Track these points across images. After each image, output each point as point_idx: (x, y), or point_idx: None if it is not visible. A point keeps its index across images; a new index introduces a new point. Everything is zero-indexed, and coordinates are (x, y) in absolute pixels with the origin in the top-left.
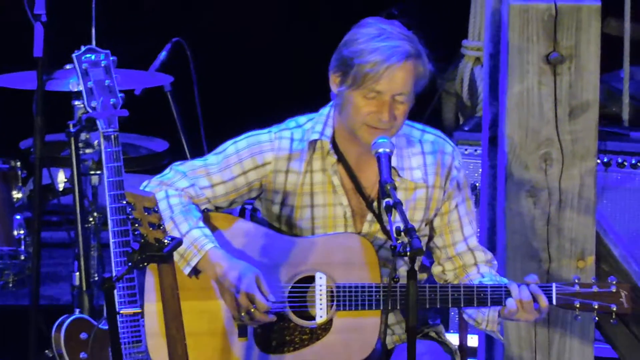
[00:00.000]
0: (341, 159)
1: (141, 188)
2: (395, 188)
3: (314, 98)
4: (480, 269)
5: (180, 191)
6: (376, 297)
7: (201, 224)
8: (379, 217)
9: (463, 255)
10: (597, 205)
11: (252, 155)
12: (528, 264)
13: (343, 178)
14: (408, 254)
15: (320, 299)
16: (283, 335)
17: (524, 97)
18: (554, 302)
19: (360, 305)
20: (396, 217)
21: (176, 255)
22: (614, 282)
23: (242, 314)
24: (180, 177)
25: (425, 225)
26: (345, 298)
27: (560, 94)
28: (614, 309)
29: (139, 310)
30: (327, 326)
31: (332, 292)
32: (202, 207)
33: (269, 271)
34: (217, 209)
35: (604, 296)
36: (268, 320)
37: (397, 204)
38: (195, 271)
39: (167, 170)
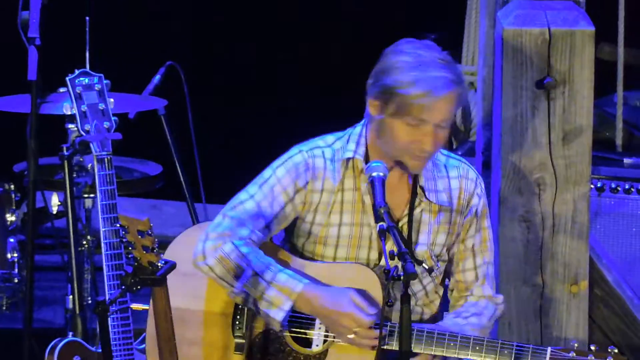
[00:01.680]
0: None
1: (199, 247)
2: (389, 212)
3: (310, 121)
4: (468, 299)
5: (245, 239)
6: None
7: (279, 266)
8: (403, 239)
9: (469, 282)
10: (590, 230)
11: (293, 180)
12: (521, 288)
13: (372, 197)
14: (402, 278)
15: (320, 328)
16: (278, 358)
17: (517, 121)
18: None
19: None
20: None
21: (264, 304)
22: (613, 352)
23: (350, 336)
24: (237, 224)
25: (447, 250)
26: None
27: (553, 119)
28: None
29: (148, 307)
30: (321, 356)
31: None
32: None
33: None
34: None
35: None
36: (376, 336)
37: (391, 228)
38: (195, 282)
39: (219, 219)
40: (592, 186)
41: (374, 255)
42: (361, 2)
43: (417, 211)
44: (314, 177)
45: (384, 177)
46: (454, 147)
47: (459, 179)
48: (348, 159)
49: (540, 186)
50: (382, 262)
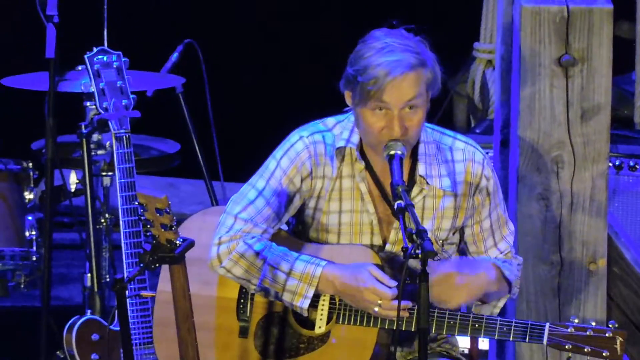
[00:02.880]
0: (368, 166)
1: (214, 251)
2: (406, 190)
3: (327, 99)
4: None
5: (257, 235)
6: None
7: (294, 253)
8: (397, 215)
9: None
10: (608, 208)
11: (298, 170)
12: (539, 266)
13: (370, 185)
14: (420, 255)
15: (322, 309)
16: (282, 340)
17: (535, 99)
18: (545, 341)
19: (359, 321)
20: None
21: (288, 295)
22: (613, 327)
23: (376, 309)
24: (250, 225)
25: (454, 234)
26: (346, 311)
27: (572, 97)
28: (606, 355)
29: (155, 294)
30: (324, 337)
31: (334, 303)
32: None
33: None
34: None
35: (597, 341)
36: (402, 307)
37: (409, 206)
38: (201, 271)
39: (230, 221)
40: (610, 164)
41: (378, 240)
42: None
43: (418, 198)
44: (317, 163)
45: (403, 155)
46: (472, 125)
47: (464, 162)
48: (342, 148)
49: (558, 164)
50: (387, 247)
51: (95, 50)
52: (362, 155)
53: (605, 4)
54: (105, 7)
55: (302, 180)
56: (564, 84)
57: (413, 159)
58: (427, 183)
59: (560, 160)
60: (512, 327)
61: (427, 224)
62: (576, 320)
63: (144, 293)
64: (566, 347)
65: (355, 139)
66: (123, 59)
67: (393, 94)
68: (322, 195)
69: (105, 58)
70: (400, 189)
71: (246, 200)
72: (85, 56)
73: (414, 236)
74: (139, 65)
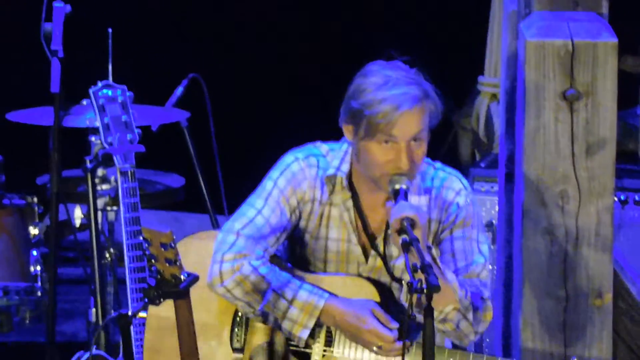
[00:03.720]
0: (355, 197)
1: (216, 269)
2: (412, 225)
3: (330, 133)
4: None
5: (261, 258)
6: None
7: (299, 282)
8: (382, 257)
9: None
10: (614, 243)
11: (294, 190)
12: (545, 301)
13: (354, 215)
14: (425, 291)
15: (319, 341)
16: None
17: (540, 133)
18: None
19: (354, 354)
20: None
21: (287, 324)
22: None
23: (375, 349)
24: (251, 243)
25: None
26: (343, 344)
27: (577, 131)
28: None
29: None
30: None
31: (331, 336)
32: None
33: None
34: None
35: None
36: (398, 348)
37: (414, 241)
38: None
39: (232, 238)
40: (615, 198)
41: (364, 271)
42: (385, 13)
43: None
44: (310, 186)
45: (408, 190)
46: (477, 159)
47: (440, 188)
48: (332, 175)
49: (563, 198)
50: (370, 275)
51: (100, 84)
52: (350, 185)
53: (610, 38)
54: (110, 41)
55: (298, 201)
56: (569, 118)
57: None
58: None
59: (566, 194)
60: None
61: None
62: None
63: (142, 315)
64: None
65: (345, 168)
66: (128, 93)
67: (402, 128)
68: (311, 218)
69: (110, 92)
70: (405, 224)
71: (246, 218)
72: (90, 90)
73: (419, 271)
74: (144, 99)
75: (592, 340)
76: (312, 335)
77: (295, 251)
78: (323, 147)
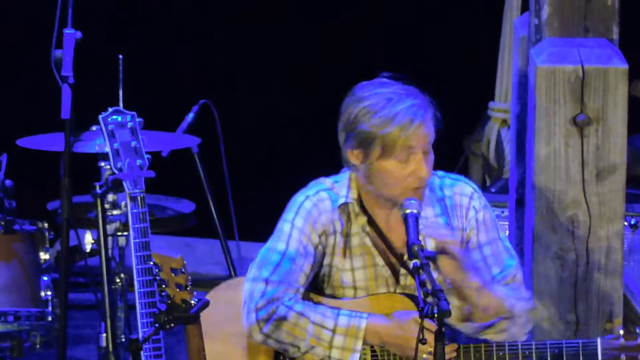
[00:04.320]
0: (370, 220)
1: (252, 318)
2: (422, 249)
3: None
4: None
5: (293, 296)
6: None
7: (334, 309)
8: (413, 274)
9: None
10: (624, 268)
11: (313, 227)
12: (556, 326)
13: (375, 239)
14: (435, 315)
15: (364, 358)
16: None
17: (550, 159)
18: (600, 358)
19: None
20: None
21: (336, 352)
22: None
23: (425, 356)
24: (283, 287)
25: None
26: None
27: (587, 156)
28: None
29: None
30: None
31: (375, 356)
32: None
33: None
34: None
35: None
36: (451, 355)
37: (424, 265)
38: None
39: (261, 286)
40: (625, 223)
41: (397, 291)
42: (397, 38)
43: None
44: (328, 219)
45: (418, 215)
46: (488, 184)
47: (453, 196)
48: (345, 204)
49: (574, 223)
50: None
51: (109, 110)
52: (364, 210)
53: (620, 64)
54: (121, 67)
55: (319, 236)
56: (579, 143)
57: None
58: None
59: (576, 219)
60: (564, 349)
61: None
62: (621, 332)
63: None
64: (622, 358)
65: (354, 194)
66: (137, 119)
67: (419, 139)
68: (335, 252)
69: (119, 118)
70: (416, 248)
71: (271, 264)
72: (100, 117)
73: (430, 295)
74: (155, 125)
75: None
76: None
77: (324, 287)
78: (327, 181)
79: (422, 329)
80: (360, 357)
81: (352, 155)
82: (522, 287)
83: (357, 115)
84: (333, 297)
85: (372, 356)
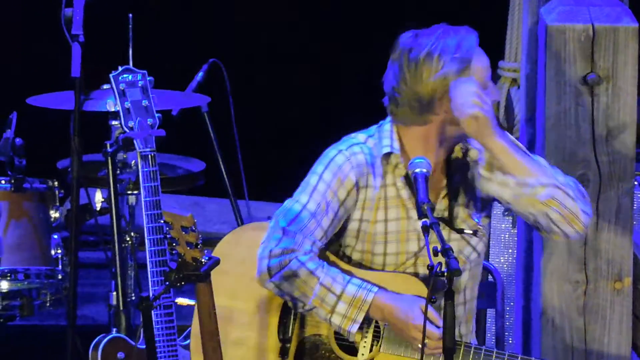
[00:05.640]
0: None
1: (264, 265)
2: (432, 209)
3: (354, 117)
4: None
5: (309, 253)
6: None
7: (347, 277)
8: (448, 224)
9: None
10: (634, 227)
11: (342, 183)
12: (565, 285)
13: (410, 192)
14: (445, 274)
15: (367, 336)
16: None
17: (560, 118)
18: None
19: (402, 352)
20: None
21: (337, 318)
22: None
23: (420, 346)
24: (299, 238)
25: (480, 205)
26: (391, 341)
27: (597, 115)
28: None
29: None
30: None
31: (379, 331)
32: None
33: None
34: None
35: None
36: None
37: (434, 224)
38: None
39: (279, 233)
40: (635, 183)
41: (423, 245)
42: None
43: (456, 179)
44: (360, 174)
45: (427, 174)
46: None
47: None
48: (387, 154)
49: (583, 183)
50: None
51: (120, 69)
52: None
53: (631, 23)
54: (131, 26)
55: (347, 193)
56: (590, 102)
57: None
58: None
59: (586, 179)
60: None
61: (461, 200)
62: None
63: (179, 300)
64: None
65: (397, 145)
66: (148, 78)
67: (485, 65)
68: (367, 206)
69: (130, 77)
70: (425, 207)
71: (292, 213)
72: (111, 75)
73: (440, 254)
74: (164, 84)
75: (611, 323)
76: (360, 329)
77: (354, 240)
78: (360, 135)
79: (432, 286)
80: (364, 328)
81: (439, 106)
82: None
83: (435, 65)
84: (360, 264)
85: (374, 332)
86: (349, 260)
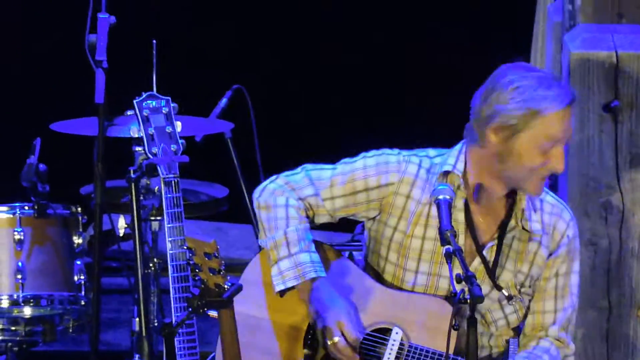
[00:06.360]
0: (467, 200)
1: (266, 182)
2: (455, 235)
3: (374, 144)
4: (540, 343)
5: (301, 201)
6: None
7: (313, 248)
8: (486, 264)
9: (546, 324)
10: None
11: (378, 173)
12: (588, 312)
13: (462, 216)
14: (468, 301)
15: (390, 353)
16: None
17: (584, 145)
18: None
19: None
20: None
21: (275, 269)
22: None
23: (329, 342)
24: (307, 183)
25: (528, 282)
26: (414, 358)
27: (620, 142)
28: None
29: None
30: None
31: (402, 349)
32: (321, 218)
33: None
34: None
35: None
36: (351, 356)
37: (457, 251)
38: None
39: (297, 170)
40: None
41: (458, 270)
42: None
43: (509, 235)
44: (402, 180)
45: (450, 200)
46: None
47: (552, 215)
48: (446, 172)
49: (607, 209)
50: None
51: (144, 95)
52: (465, 184)
53: None
54: (155, 52)
55: (377, 186)
56: (613, 129)
57: (513, 196)
58: (521, 221)
59: (609, 205)
60: None
61: (509, 264)
62: None
63: (211, 313)
64: None
65: (461, 166)
66: (172, 104)
67: (566, 129)
68: (404, 216)
69: (154, 103)
70: (448, 234)
71: (320, 166)
72: (135, 101)
73: (463, 281)
74: (188, 110)
75: (634, 350)
76: (385, 342)
77: (386, 250)
78: (431, 151)
79: (454, 314)
80: (389, 342)
81: (492, 133)
82: (571, 335)
83: (506, 95)
84: (392, 268)
85: (399, 347)
86: (382, 272)
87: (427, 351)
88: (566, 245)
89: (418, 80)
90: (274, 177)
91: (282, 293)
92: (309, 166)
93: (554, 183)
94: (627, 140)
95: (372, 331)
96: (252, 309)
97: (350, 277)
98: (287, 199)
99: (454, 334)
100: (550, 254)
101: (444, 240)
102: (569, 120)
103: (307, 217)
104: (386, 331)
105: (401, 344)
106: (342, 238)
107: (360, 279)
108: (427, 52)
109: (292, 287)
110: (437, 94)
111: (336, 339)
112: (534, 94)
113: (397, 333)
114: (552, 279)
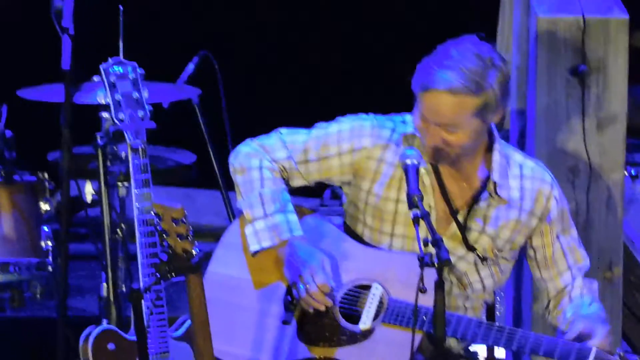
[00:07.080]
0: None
1: (241, 146)
2: (422, 199)
3: (346, 109)
4: (573, 293)
5: (275, 163)
6: (422, 319)
7: (290, 207)
8: (461, 228)
9: (567, 284)
10: (624, 217)
11: (351, 138)
12: None
13: (432, 180)
14: (435, 264)
15: (370, 307)
16: (323, 330)
17: (551, 109)
18: None
19: (405, 323)
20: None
21: (249, 229)
22: None
23: (301, 286)
24: (281, 146)
25: (511, 249)
26: (393, 312)
27: (588, 107)
28: None
29: None
30: (367, 333)
31: (382, 304)
32: (295, 182)
33: (333, 271)
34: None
35: None
36: (322, 303)
37: (425, 216)
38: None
39: (272, 134)
40: (625, 173)
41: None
42: None
43: (483, 204)
44: (375, 144)
45: (417, 165)
46: None
47: (534, 180)
48: (410, 134)
49: (574, 174)
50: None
51: (111, 61)
52: None
53: (621, 14)
54: (121, 18)
55: (350, 150)
56: (580, 93)
57: (487, 164)
58: (496, 192)
59: (576, 169)
60: (558, 348)
61: (489, 229)
62: (620, 354)
63: None
64: None
65: None
66: (139, 70)
67: (428, 107)
68: (377, 179)
69: (120, 69)
70: (415, 198)
71: (295, 130)
72: (101, 67)
73: (430, 244)
74: (155, 76)
75: None
76: (364, 299)
77: (362, 214)
78: (408, 116)
79: (421, 278)
80: (367, 300)
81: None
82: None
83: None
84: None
85: (378, 303)
86: (361, 235)
87: (407, 305)
88: (555, 208)
89: (383, 45)
90: (248, 140)
91: (256, 253)
92: (283, 130)
93: (521, 148)
94: (594, 104)
95: (353, 287)
96: (233, 271)
97: (329, 237)
98: (260, 161)
99: (432, 292)
100: (540, 221)
101: (411, 204)
102: (433, 103)
103: (282, 178)
104: (366, 288)
105: (381, 299)
106: (311, 203)
107: (339, 238)
108: (391, 20)
109: (267, 248)
110: (405, 61)
111: (307, 285)
112: (426, 65)
113: (376, 288)
114: (555, 244)
